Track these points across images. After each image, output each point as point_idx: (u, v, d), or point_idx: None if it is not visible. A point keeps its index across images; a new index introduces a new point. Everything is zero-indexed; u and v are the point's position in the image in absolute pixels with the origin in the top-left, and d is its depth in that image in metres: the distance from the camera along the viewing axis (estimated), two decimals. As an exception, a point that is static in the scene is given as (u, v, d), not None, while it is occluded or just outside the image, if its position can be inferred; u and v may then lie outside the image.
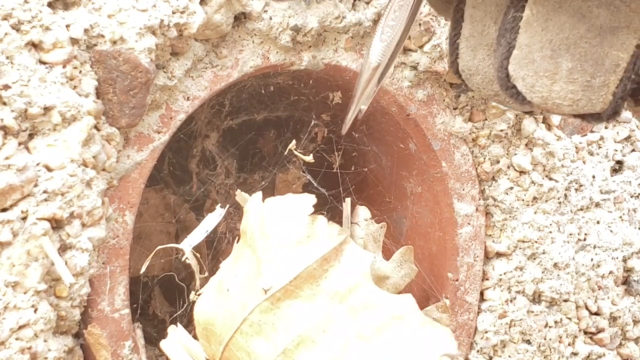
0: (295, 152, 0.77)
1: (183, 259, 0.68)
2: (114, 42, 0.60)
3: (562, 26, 0.34)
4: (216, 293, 0.64)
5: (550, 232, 0.85)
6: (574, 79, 0.34)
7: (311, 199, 0.64)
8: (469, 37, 0.39)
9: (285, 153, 0.79)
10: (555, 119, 0.85)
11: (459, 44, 0.39)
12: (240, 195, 0.68)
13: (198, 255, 0.68)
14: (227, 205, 0.72)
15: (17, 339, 0.55)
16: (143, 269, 0.68)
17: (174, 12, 0.63)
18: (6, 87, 0.54)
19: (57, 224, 0.58)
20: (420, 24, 0.75)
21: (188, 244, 0.68)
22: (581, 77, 0.34)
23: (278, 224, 0.63)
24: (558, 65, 0.34)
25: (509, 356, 0.85)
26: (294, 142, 0.77)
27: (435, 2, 0.41)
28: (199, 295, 0.66)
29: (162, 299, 0.94)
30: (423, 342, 0.60)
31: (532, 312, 0.85)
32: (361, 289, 0.62)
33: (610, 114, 0.35)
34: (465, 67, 0.40)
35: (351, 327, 0.61)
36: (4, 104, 0.54)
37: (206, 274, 0.69)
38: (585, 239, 0.88)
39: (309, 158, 0.77)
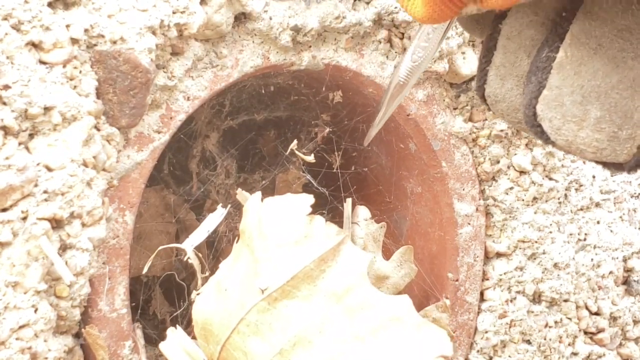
0: (297, 152, 0.77)
1: (185, 258, 0.68)
2: (114, 42, 0.60)
3: (595, 73, 0.34)
4: (214, 293, 0.64)
5: (551, 232, 0.85)
6: (601, 128, 0.34)
7: (309, 199, 0.64)
8: (500, 67, 0.38)
9: (287, 153, 0.79)
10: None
11: (489, 71, 0.39)
12: (241, 194, 0.68)
13: (200, 254, 0.69)
14: (229, 205, 0.72)
15: (17, 339, 0.55)
16: (145, 270, 0.68)
17: (174, 12, 0.63)
18: (6, 87, 0.54)
19: (57, 224, 0.58)
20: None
21: (190, 244, 0.68)
22: (608, 128, 0.34)
23: (276, 224, 0.63)
24: (587, 112, 0.34)
25: (509, 356, 0.85)
26: (295, 142, 0.77)
27: (467, 24, 0.41)
28: (199, 294, 0.66)
29: (162, 299, 0.94)
30: (419, 344, 0.60)
31: (532, 312, 0.85)
32: (358, 289, 0.62)
33: (633, 166, 0.35)
34: (491, 94, 0.40)
35: (348, 328, 0.61)
36: (4, 104, 0.54)
37: (207, 273, 0.69)
38: (585, 239, 0.88)
39: (310, 158, 0.77)
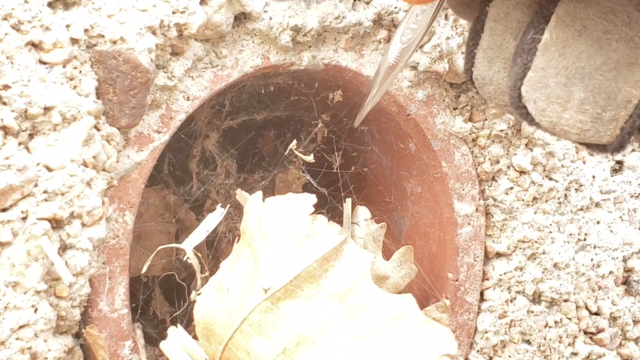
0: (296, 152, 0.77)
1: (184, 258, 0.68)
2: (114, 42, 0.60)
3: (579, 55, 0.34)
4: (216, 293, 0.64)
5: (550, 232, 0.85)
6: (585, 110, 0.35)
7: (311, 199, 0.64)
8: (487, 49, 0.39)
9: (286, 153, 0.79)
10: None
11: (476, 54, 0.39)
12: (240, 195, 0.68)
13: (199, 254, 0.69)
14: (228, 205, 0.72)
15: (17, 339, 0.55)
16: (144, 269, 0.68)
17: (174, 12, 0.63)
18: (6, 87, 0.54)
19: (57, 224, 0.58)
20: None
21: (189, 244, 0.68)
22: (592, 109, 0.34)
23: (278, 224, 0.63)
24: (571, 93, 0.35)
25: (509, 356, 0.85)
26: (294, 142, 0.77)
27: (456, 6, 0.41)
28: (199, 294, 0.66)
29: (162, 299, 0.94)
30: (423, 342, 0.60)
31: (532, 312, 0.85)
32: (361, 289, 0.62)
33: (616, 147, 0.36)
34: (479, 76, 0.40)
35: (351, 327, 0.61)
36: (4, 104, 0.54)
37: (207, 274, 0.69)
38: (585, 239, 0.88)
39: (310, 158, 0.77)
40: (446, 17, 0.76)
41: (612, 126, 0.34)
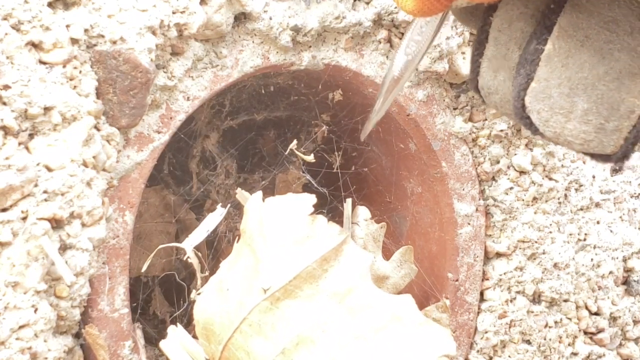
0: (297, 152, 0.77)
1: (185, 258, 0.68)
2: (114, 42, 0.60)
3: (582, 65, 0.34)
4: (216, 292, 0.64)
5: (550, 232, 0.85)
6: (588, 120, 0.35)
7: (311, 199, 0.64)
8: (492, 59, 0.39)
9: (287, 153, 0.79)
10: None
11: (481, 63, 0.39)
12: (240, 194, 0.68)
13: (199, 254, 0.69)
14: (228, 205, 0.72)
15: (17, 339, 0.55)
16: (144, 268, 0.68)
17: (174, 12, 0.63)
18: (6, 87, 0.54)
19: (57, 224, 0.58)
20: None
21: (189, 244, 0.68)
22: (595, 119, 0.34)
23: (278, 224, 0.63)
24: (574, 104, 0.35)
25: (509, 356, 0.85)
26: (295, 141, 0.77)
27: (461, 15, 0.41)
28: (199, 294, 0.66)
29: (162, 299, 0.94)
30: (421, 343, 0.60)
31: (532, 312, 0.85)
32: (360, 289, 0.62)
33: (620, 157, 0.35)
34: (484, 86, 0.40)
35: (350, 328, 0.61)
36: (4, 104, 0.54)
37: (207, 273, 0.69)
38: (585, 239, 0.88)
39: (310, 158, 0.77)
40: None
41: (616, 136, 0.34)
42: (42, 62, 0.57)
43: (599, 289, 0.89)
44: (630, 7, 0.32)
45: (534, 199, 0.84)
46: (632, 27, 0.33)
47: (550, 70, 0.35)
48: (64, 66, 0.57)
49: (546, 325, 0.86)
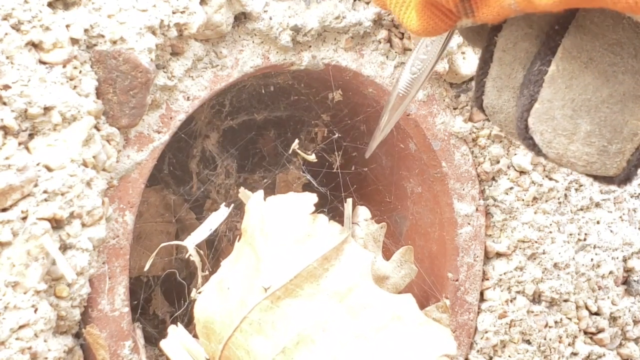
0: (299, 152, 0.77)
1: (187, 256, 0.68)
2: (114, 42, 0.60)
3: (586, 87, 0.34)
4: (216, 291, 0.64)
5: (550, 232, 0.85)
6: (591, 142, 0.34)
7: (312, 198, 0.64)
8: (496, 78, 0.39)
9: (289, 153, 0.79)
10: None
11: (486, 83, 0.39)
12: (243, 193, 0.68)
13: (201, 252, 0.69)
14: (232, 205, 0.72)
15: (17, 339, 0.55)
16: (147, 267, 0.68)
17: (174, 12, 0.63)
18: (6, 87, 0.54)
19: (57, 224, 0.58)
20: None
21: (191, 242, 0.68)
22: (598, 142, 0.34)
23: (279, 223, 0.63)
24: (577, 126, 0.35)
25: (509, 356, 0.85)
26: (296, 141, 0.77)
27: (467, 35, 0.41)
28: (199, 293, 0.66)
29: (162, 298, 0.94)
30: (422, 342, 0.60)
31: (532, 312, 0.85)
32: (361, 288, 0.62)
33: (623, 180, 0.36)
34: (489, 105, 0.40)
35: (351, 327, 0.61)
36: (4, 104, 0.54)
37: (208, 272, 0.69)
38: (585, 239, 0.88)
39: (312, 157, 0.77)
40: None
41: (619, 159, 0.34)
42: (42, 62, 0.57)
43: (599, 289, 0.89)
44: (634, 29, 0.32)
45: (534, 198, 0.84)
46: (636, 49, 0.33)
47: (554, 91, 0.35)
48: (64, 66, 0.57)
49: (546, 325, 0.86)
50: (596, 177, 0.37)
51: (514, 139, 0.40)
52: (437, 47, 0.45)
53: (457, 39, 0.77)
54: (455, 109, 0.81)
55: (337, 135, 0.85)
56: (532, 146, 0.37)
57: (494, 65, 0.38)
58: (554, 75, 0.35)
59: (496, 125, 0.41)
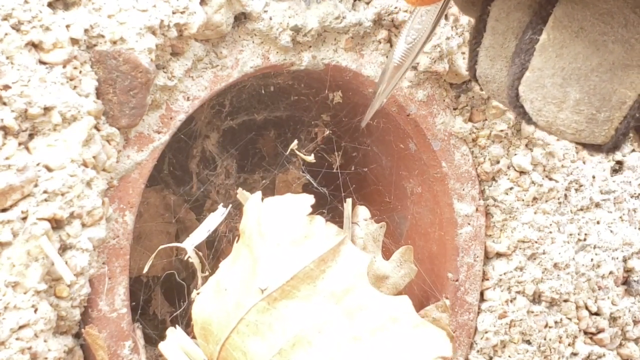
0: (297, 152, 0.77)
1: (185, 257, 0.68)
2: (114, 42, 0.60)
3: (576, 56, 0.34)
4: (214, 292, 0.64)
5: (550, 232, 0.85)
6: (580, 110, 0.35)
7: (309, 199, 0.64)
8: (489, 48, 0.39)
9: (287, 153, 0.79)
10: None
11: (479, 52, 0.40)
12: (241, 194, 0.68)
13: (200, 253, 0.69)
14: (230, 205, 0.72)
15: (17, 339, 0.55)
16: (146, 269, 0.68)
17: (174, 12, 0.63)
18: (6, 87, 0.54)
19: (57, 224, 0.58)
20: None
21: (190, 243, 0.68)
22: (587, 109, 0.35)
23: (276, 224, 0.63)
24: (566, 94, 0.35)
25: (509, 356, 0.85)
26: (295, 142, 0.77)
27: (462, 4, 0.41)
28: (198, 294, 0.66)
29: (162, 299, 0.94)
30: (417, 344, 0.60)
31: (532, 312, 0.85)
32: (357, 290, 0.62)
33: (611, 148, 0.36)
34: (482, 74, 0.40)
35: (347, 328, 0.61)
36: (4, 104, 0.54)
37: (207, 273, 0.69)
38: (585, 239, 0.88)
39: (311, 158, 0.77)
40: (446, 18, 0.76)
41: (607, 127, 0.35)
42: (42, 62, 0.57)
43: (599, 289, 0.89)
44: None
45: (534, 199, 0.84)
46: (626, 19, 0.33)
47: (545, 60, 0.35)
48: (64, 66, 0.58)
49: (546, 326, 0.86)
50: (585, 145, 0.37)
51: (505, 107, 0.41)
52: (432, 17, 0.45)
53: (457, 39, 0.77)
54: (455, 109, 0.81)
55: (334, 134, 0.85)
56: (523, 114, 0.38)
57: (487, 35, 0.39)
58: (544, 44, 0.35)
59: (489, 94, 0.41)
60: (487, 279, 0.85)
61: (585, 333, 0.90)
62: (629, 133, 0.35)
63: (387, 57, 0.76)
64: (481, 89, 0.42)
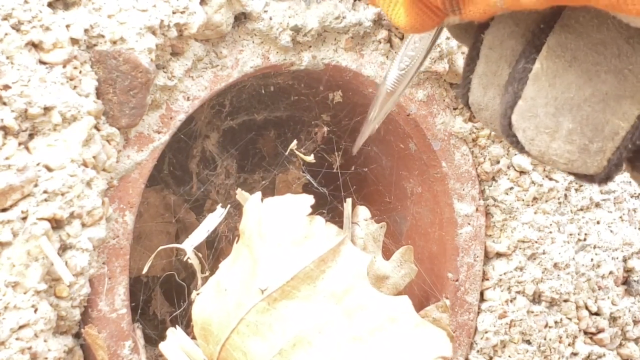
0: (297, 152, 0.77)
1: (185, 258, 0.68)
2: (114, 42, 0.60)
3: (569, 85, 0.34)
4: (214, 293, 0.64)
5: (550, 232, 0.85)
6: (572, 140, 0.35)
7: (309, 200, 0.64)
8: (482, 75, 0.39)
9: (287, 153, 0.79)
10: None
11: (472, 79, 0.40)
12: (240, 194, 0.68)
13: (200, 254, 0.69)
14: (228, 205, 0.72)
15: (17, 339, 0.55)
16: (145, 270, 0.68)
17: (174, 12, 0.63)
18: (6, 87, 0.54)
19: (57, 224, 0.58)
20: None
21: (189, 244, 0.68)
22: (579, 140, 0.34)
23: (276, 224, 0.63)
24: (559, 124, 0.35)
25: (509, 356, 0.85)
26: (295, 142, 0.77)
27: (455, 33, 0.41)
28: (198, 294, 0.66)
29: (162, 299, 0.94)
30: (417, 344, 0.60)
31: (532, 312, 0.85)
32: (357, 290, 0.62)
33: (603, 178, 0.36)
34: (475, 102, 0.40)
35: (347, 329, 0.61)
36: (4, 104, 0.54)
37: (207, 274, 0.69)
38: (585, 239, 0.88)
39: (310, 158, 0.77)
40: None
41: (599, 157, 0.35)
42: (42, 62, 0.57)
43: (599, 289, 0.89)
44: (618, 29, 0.33)
45: (534, 199, 0.84)
46: (619, 49, 0.33)
47: (538, 89, 0.35)
48: (64, 66, 0.58)
49: (546, 325, 0.86)
50: (577, 175, 0.37)
51: (498, 136, 0.41)
52: (426, 44, 0.45)
53: (457, 39, 0.77)
54: (455, 109, 0.81)
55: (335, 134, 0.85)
56: (516, 143, 0.38)
57: (480, 63, 0.39)
58: (537, 74, 0.35)
59: (481, 122, 0.41)
60: (487, 279, 0.85)
61: (585, 333, 0.90)
62: (622, 164, 0.35)
63: (387, 58, 0.76)
64: (473, 116, 0.42)
